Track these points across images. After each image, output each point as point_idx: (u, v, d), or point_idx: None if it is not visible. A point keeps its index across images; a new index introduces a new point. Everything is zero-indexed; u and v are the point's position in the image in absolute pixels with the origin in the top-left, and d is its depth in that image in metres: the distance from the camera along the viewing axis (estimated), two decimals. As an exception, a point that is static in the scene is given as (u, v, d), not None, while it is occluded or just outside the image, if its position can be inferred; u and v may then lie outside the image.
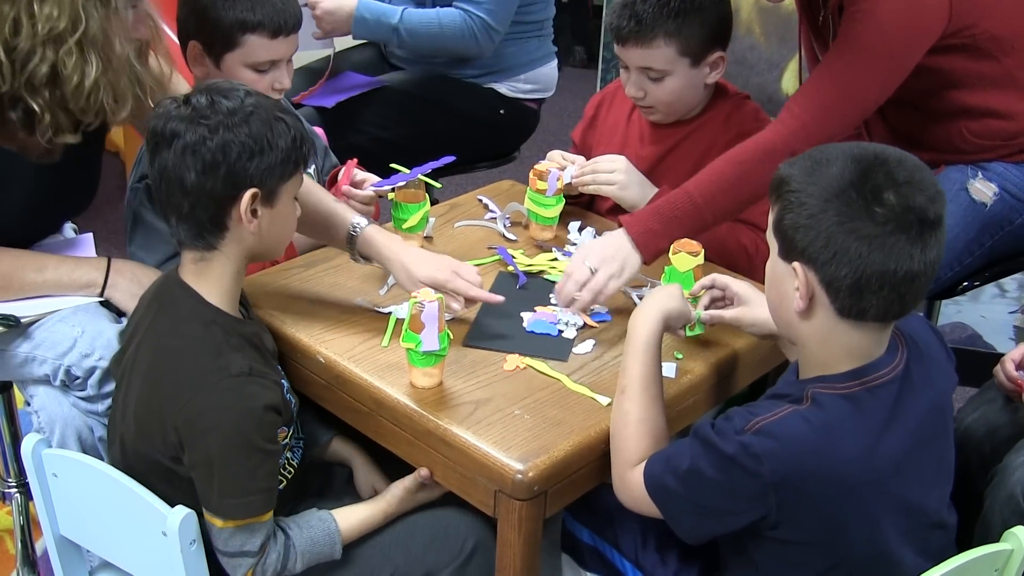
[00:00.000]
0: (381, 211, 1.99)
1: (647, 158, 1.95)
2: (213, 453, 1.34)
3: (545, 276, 1.78)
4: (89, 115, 1.48)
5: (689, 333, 1.55)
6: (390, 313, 1.63)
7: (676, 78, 1.84)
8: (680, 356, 1.58)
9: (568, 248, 1.88)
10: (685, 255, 1.63)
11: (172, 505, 1.35)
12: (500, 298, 1.60)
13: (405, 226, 1.82)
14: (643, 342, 1.41)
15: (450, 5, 2.42)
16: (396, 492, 1.50)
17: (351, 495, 1.57)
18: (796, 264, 1.21)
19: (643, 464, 1.32)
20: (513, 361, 1.54)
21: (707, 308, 1.55)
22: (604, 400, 1.47)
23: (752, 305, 1.51)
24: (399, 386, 1.49)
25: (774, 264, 1.26)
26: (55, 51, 1.41)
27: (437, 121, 2.50)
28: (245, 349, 1.39)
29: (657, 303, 1.44)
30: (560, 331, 1.61)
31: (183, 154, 1.33)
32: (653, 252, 1.68)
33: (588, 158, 1.96)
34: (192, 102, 1.35)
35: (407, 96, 2.50)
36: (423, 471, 1.46)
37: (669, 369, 1.54)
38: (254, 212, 1.37)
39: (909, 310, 1.23)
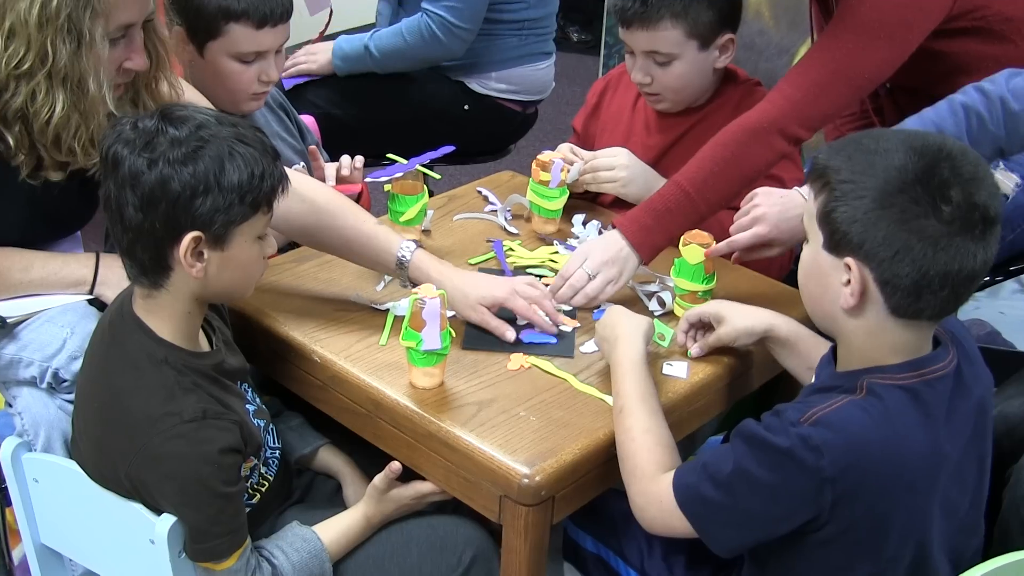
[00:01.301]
0: (375, 203, 2.00)
1: (654, 148, 1.96)
2: (170, 503, 1.33)
3: (531, 271, 1.77)
4: (61, 154, 1.47)
5: (661, 343, 1.58)
6: (388, 310, 1.63)
7: (684, 62, 1.84)
8: (665, 340, 1.57)
9: (572, 242, 1.89)
10: (696, 247, 1.64)
11: (158, 512, 1.35)
12: (552, 326, 1.59)
13: (402, 219, 1.81)
14: (630, 362, 1.43)
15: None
16: (370, 492, 1.49)
17: (340, 507, 1.55)
18: (849, 260, 1.21)
19: (667, 475, 1.30)
20: (517, 360, 1.54)
21: (695, 337, 1.57)
22: (612, 400, 1.46)
23: (726, 321, 1.52)
24: (398, 386, 1.49)
25: (816, 255, 1.25)
26: (27, 84, 1.40)
27: (389, 106, 2.54)
28: (200, 388, 1.36)
29: (634, 331, 1.47)
30: (560, 330, 1.61)
31: (123, 185, 1.28)
32: (650, 250, 1.69)
33: (591, 148, 1.97)
34: (140, 126, 1.29)
35: (366, 78, 2.53)
36: (394, 464, 1.46)
37: (681, 369, 1.56)
38: (200, 255, 1.31)
39: (960, 307, 1.25)
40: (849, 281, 1.21)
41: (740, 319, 1.51)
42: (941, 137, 1.22)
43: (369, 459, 1.60)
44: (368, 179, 1.88)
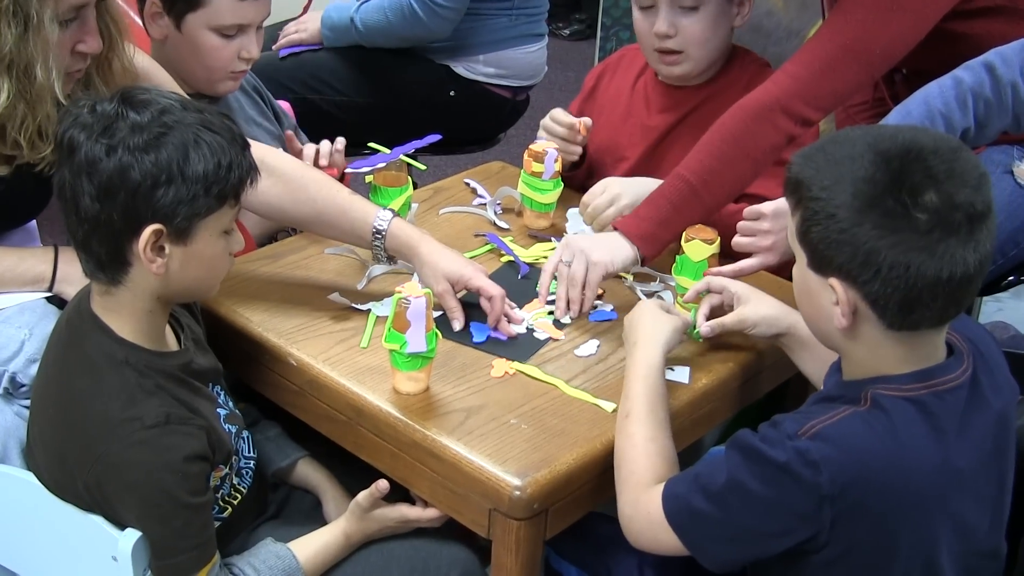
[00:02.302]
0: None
1: (656, 128, 1.94)
2: (132, 516, 1.31)
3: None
4: (6, 146, 1.45)
5: (691, 334, 1.58)
6: (369, 310, 1.63)
7: (709, 10, 1.85)
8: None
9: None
10: (699, 243, 1.63)
11: (121, 526, 1.33)
12: (519, 319, 1.62)
13: None
14: (646, 367, 1.43)
15: None
16: (352, 509, 1.48)
17: (318, 524, 1.53)
18: (833, 281, 1.21)
19: (660, 486, 1.30)
20: (501, 367, 1.54)
21: (708, 317, 1.56)
22: (609, 406, 1.47)
23: (752, 303, 1.51)
24: (381, 392, 1.49)
25: (804, 274, 1.25)
26: None
27: (370, 91, 2.53)
28: (163, 391, 1.34)
29: (656, 336, 1.47)
30: (530, 329, 1.62)
31: (79, 172, 1.26)
32: (653, 246, 1.69)
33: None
34: (98, 110, 1.27)
35: (345, 58, 2.53)
36: (381, 483, 1.45)
37: (682, 374, 1.55)
38: (161, 249, 1.30)
39: (963, 309, 1.24)
40: (838, 301, 1.21)
41: (766, 306, 1.50)
42: (911, 132, 1.21)
43: (351, 474, 1.60)
44: (348, 170, 1.88)
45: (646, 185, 1.79)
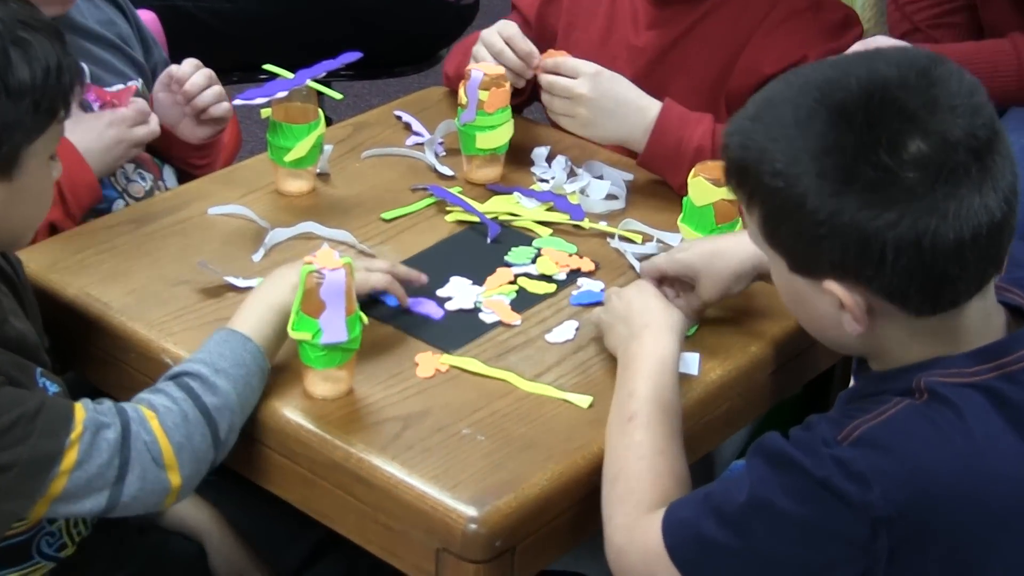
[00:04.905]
0: (249, 136, 2.01)
1: (646, 50, 1.93)
2: None
3: (514, 225, 1.77)
4: None
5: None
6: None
7: None
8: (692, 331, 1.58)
9: (539, 187, 1.86)
10: (704, 182, 1.61)
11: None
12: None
13: (289, 158, 1.79)
14: (657, 360, 1.43)
15: None
16: None
17: None
18: (830, 284, 1.21)
19: (663, 511, 1.30)
20: (428, 364, 1.52)
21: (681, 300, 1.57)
22: (584, 401, 1.47)
23: (705, 272, 1.53)
24: (288, 398, 1.47)
25: (789, 280, 1.26)
26: None
27: None
28: None
29: (669, 320, 1.48)
30: (477, 308, 1.63)
31: None
32: None
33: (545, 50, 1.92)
34: None
35: None
36: None
37: (689, 362, 1.54)
38: None
39: (1003, 261, 1.24)
40: (842, 304, 1.22)
41: (721, 263, 1.51)
42: (862, 65, 1.21)
43: (247, 512, 1.60)
44: (237, 101, 1.83)
45: (629, 109, 1.82)
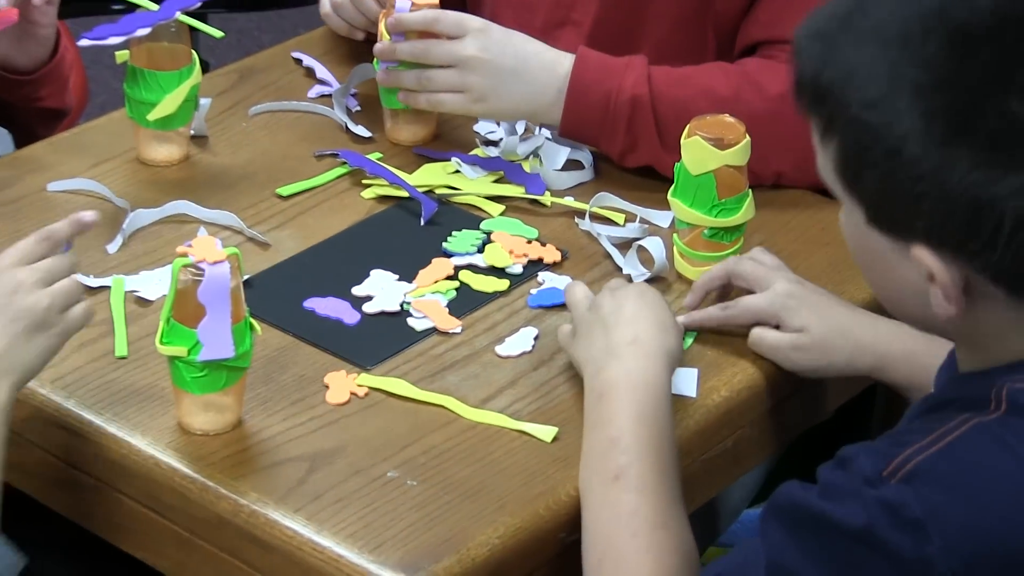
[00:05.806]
0: (100, 86, 1.93)
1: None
2: None
3: (455, 201, 1.72)
4: None
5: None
6: (134, 291, 1.58)
7: None
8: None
9: (483, 152, 1.79)
10: (702, 143, 1.55)
11: None
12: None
13: (153, 116, 1.72)
14: (647, 391, 1.40)
15: None
16: None
17: None
18: (920, 251, 1.16)
19: None
20: (341, 387, 1.47)
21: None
22: (547, 433, 1.41)
23: (798, 310, 1.52)
24: (157, 432, 1.42)
25: (863, 234, 1.22)
26: None
27: None
28: None
29: (660, 337, 1.44)
30: (405, 309, 1.58)
31: None
32: None
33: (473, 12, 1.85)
34: None
35: None
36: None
37: (688, 380, 1.50)
38: None
39: None
40: (933, 277, 1.18)
41: (827, 322, 1.50)
42: None
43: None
44: (83, 42, 1.76)
45: (536, 74, 1.76)
